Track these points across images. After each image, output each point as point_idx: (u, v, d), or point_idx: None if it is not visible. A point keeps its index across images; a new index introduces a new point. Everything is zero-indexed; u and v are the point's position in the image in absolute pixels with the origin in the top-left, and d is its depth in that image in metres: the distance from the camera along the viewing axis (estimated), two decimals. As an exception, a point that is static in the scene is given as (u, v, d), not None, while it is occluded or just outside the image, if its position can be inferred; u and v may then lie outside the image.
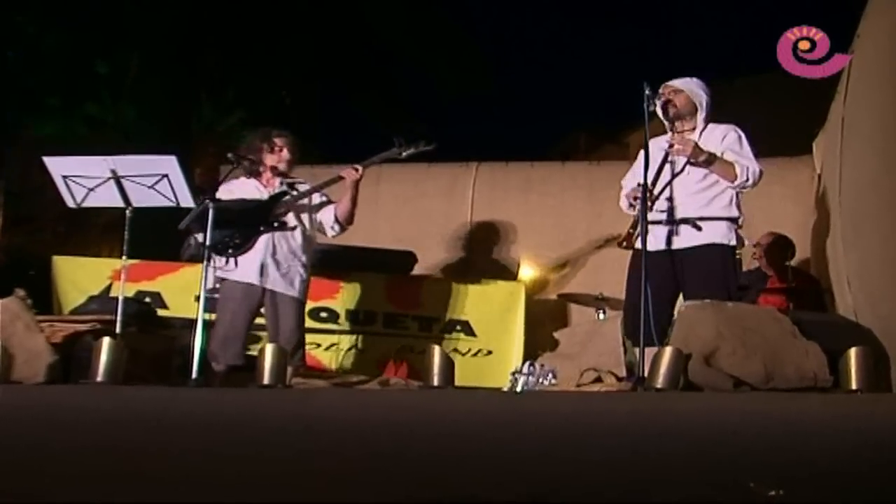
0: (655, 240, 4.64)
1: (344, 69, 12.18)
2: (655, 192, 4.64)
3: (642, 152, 4.91)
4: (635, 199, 4.61)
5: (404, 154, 5.17)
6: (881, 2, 4.75)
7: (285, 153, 5.30)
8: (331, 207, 5.31)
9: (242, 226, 5.09)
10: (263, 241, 5.14)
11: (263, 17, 11.33)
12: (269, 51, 11.42)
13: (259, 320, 5.29)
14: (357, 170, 5.13)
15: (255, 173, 5.32)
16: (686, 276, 4.65)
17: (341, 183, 5.22)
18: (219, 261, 5.03)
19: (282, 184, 5.29)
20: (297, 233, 5.22)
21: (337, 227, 5.30)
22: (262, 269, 5.09)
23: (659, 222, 4.67)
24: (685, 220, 4.67)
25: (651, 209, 4.58)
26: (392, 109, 11.99)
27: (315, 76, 12.23)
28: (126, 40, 10.86)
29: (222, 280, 5.11)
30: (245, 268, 5.09)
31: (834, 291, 5.97)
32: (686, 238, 4.67)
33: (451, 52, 11.89)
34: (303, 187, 5.31)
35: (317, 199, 5.32)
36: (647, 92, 4.61)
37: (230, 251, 5.05)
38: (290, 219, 5.22)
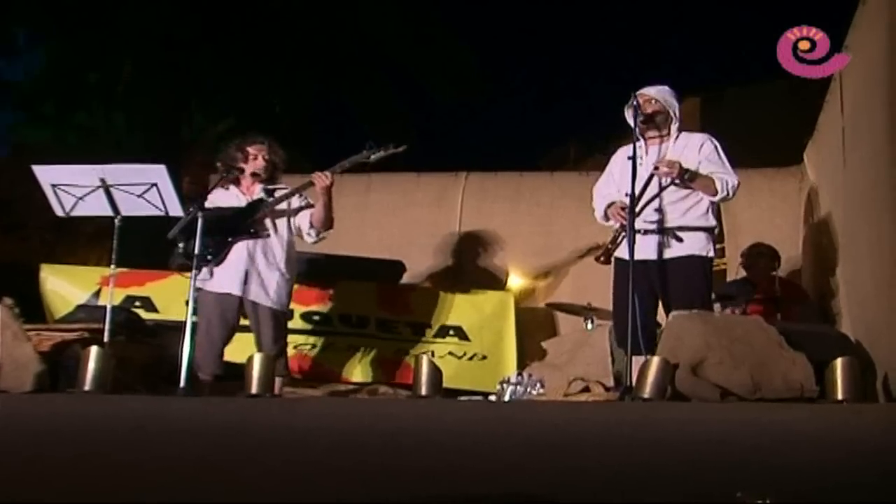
0: (638, 249, 4.63)
1: (336, 75, 12.18)
2: (640, 205, 4.65)
3: (613, 161, 4.95)
4: (623, 209, 4.62)
5: (373, 158, 5.11)
6: (870, 13, 4.78)
7: (260, 160, 5.25)
8: (308, 212, 5.23)
9: (219, 235, 5.00)
10: (240, 250, 5.07)
11: (255, 23, 11.33)
12: (260, 57, 11.41)
13: (244, 322, 5.24)
14: (326, 176, 5.06)
15: (235, 181, 5.28)
16: (668, 286, 4.68)
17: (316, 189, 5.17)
18: (204, 272, 4.99)
19: (264, 191, 5.23)
20: (275, 240, 5.16)
21: (313, 233, 5.22)
22: (240, 279, 5.04)
23: (640, 231, 4.66)
24: (666, 231, 4.69)
25: (630, 221, 4.60)
26: (383, 115, 11.99)
27: (308, 82, 12.22)
28: (118, 48, 10.83)
29: (199, 290, 5.05)
30: (221, 278, 5.02)
31: (830, 302, 5.99)
32: (667, 248, 4.69)
33: (445, 58, 11.91)
34: (281, 194, 5.25)
35: (295, 203, 5.23)
36: (634, 103, 4.64)
37: (207, 261, 4.99)
38: (269, 226, 5.16)
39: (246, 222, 5.12)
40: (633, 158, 4.55)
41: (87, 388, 4.39)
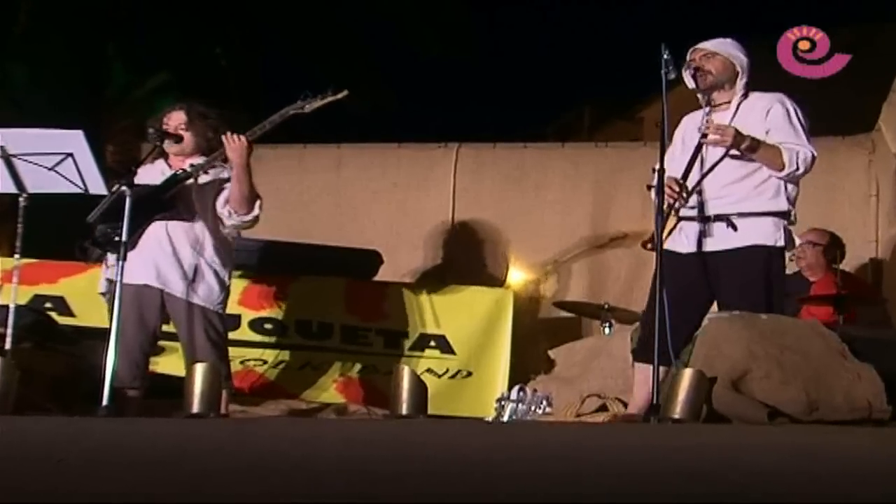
0: (686, 240, 4.73)
1: (297, 21, 12.12)
2: (690, 184, 4.70)
3: (678, 130, 4.95)
4: (648, 188, 4.63)
5: (308, 108, 5.07)
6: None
7: (175, 131, 5.18)
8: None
9: (132, 217, 4.84)
10: (155, 232, 5.04)
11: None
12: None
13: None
14: (237, 138, 4.98)
15: (161, 154, 5.25)
16: (721, 285, 4.68)
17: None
18: (111, 259, 4.95)
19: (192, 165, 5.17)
20: (199, 222, 5.13)
21: (225, 213, 5.16)
22: (155, 268, 5.02)
23: (692, 218, 4.73)
24: (721, 217, 4.71)
25: (685, 202, 4.67)
26: (355, 72, 11.95)
27: (259, 29, 12.15)
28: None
29: (113, 282, 4.99)
30: (135, 266, 4.92)
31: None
32: (722, 238, 4.71)
33: (429, 5, 11.91)
34: (197, 164, 5.17)
35: (225, 175, 5.18)
36: (665, 56, 4.63)
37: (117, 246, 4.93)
38: (192, 204, 5.12)
39: (163, 200, 5.08)
40: (662, 128, 4.61)
41: (-17, 406, 4.39)
